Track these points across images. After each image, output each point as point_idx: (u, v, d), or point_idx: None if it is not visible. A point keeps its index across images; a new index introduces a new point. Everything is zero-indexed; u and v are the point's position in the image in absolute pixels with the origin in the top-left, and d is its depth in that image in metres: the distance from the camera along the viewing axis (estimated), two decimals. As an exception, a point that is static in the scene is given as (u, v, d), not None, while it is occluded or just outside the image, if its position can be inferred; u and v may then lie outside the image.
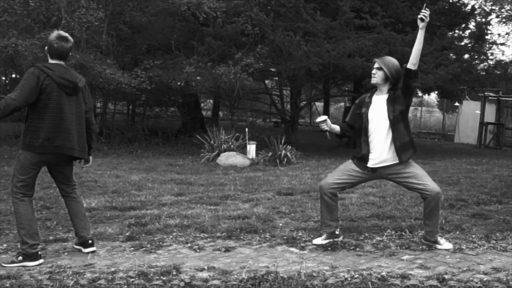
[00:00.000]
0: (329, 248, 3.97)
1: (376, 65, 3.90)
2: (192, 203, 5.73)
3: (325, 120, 3.96)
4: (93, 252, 3.83)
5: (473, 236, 4.27)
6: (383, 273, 3.32)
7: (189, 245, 4.05)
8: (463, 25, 15.90)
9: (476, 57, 15.35)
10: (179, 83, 13.17)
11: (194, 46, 12.75)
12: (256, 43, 12.77)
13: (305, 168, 9.38)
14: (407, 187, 3.98)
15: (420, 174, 3.88)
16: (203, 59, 12.33)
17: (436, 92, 17.36)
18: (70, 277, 3.27)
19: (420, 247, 3.96)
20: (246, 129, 11.42)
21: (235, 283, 3.17)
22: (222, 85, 12.64)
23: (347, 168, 4.07)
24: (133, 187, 6.81)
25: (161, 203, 5.75)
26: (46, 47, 3.72)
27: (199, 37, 12.81)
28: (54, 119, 3.59)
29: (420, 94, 21.80)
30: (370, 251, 3.88)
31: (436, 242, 3.95)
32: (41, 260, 3.59)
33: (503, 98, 18.15)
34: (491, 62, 15.77)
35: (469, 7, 16.22)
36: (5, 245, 4.00)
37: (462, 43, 15.00)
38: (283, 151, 10.24)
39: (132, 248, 3.96)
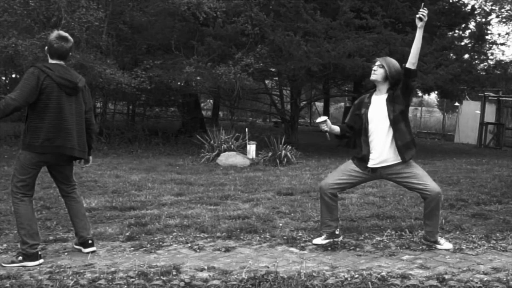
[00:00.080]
0: (329, 248, 3.97)
1: (377, 63, 3.92)
2: (192, 203, 5.73)
3: (325, 121, 3.96)
4: (93, 252, 3.83)
5: (473, 236, 4.27)
6: (383, 273, 3.32)
7: (189, 245, 4.05)
8: (463, 25, 15.90)
9: (476, 57, 15.35)
10: (179, 83, 13.18)
11: (194, 46, 12.75)
12: (256, 43, 12.77)
13: (305, 168, 9.38)
14: (408, 187, 3.98)
15: (420, 174, 3.88)
16: (203, 59, 12.33)
17: (436, 92, 17.36)
18: (70, 277, 3.27)
19: (420, 247, 3.96)
20: (246, 129, 11.42)
21: (235, 283, 3.17)
22: (222, 85, 12.64)
23: (347, 168, 4.08)
24: (133, 187, 6.81)
25: (161, 203, 5.75)
26: (46, 47, 3.72)
27: (199, 37, 12.82)
28: (54, 119, 3.59)
29: (420, 94, 21.81)
30: (370, 251, 3.88)
31: (436, 242, 3.95)
32: (41, 260, 3.59)
33: (503, 98, 18.15)
34: (491, 62, 15.79)
35: (469, 7, 16.22)
36: (5, 245, 4.00)
37: (462, 43, 15.01)
38: (283, 151, 10.24)
39: (132, 248, 3.96)
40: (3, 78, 18.26)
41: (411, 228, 4.47)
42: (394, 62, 3.91)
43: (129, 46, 13.71)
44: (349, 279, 3.24)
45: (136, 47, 13.95)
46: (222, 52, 12.83)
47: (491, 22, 19.56)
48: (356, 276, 3.28)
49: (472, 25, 16.01)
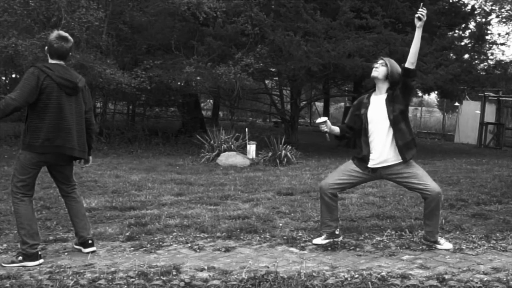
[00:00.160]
0: (329, 248, 3.97)
1: (380, 61, 3.93)
2: (192, 203, 5.73)
3: (325, 122, 3.97)
4: (93, 252, 3.83)
5: (473, 236, 4.27)
6: (383, 273, 3.32)
7: (189, 245, 4.05)
8: (463, 25, 15.90)
9: (476, 57, 15.36)
10: (179, 83, 13.18)
11: (194, 46, 12.75)
12: (256, 43, 12.77)
13: (305, 168, 9.38)
14: (408, 187, 3.99)
15: (420, 174, 3.88)
16: (203, 59, 12.33)
17: (436, 92, 17.36)
18: (70, 277, 3.27)
19: (420, 247, 3.96)
20: (246, 129, 11.42)
21: (235, 283, 3.17)
22: (222, 85, 12.64)
23: (347, 169, 4.08)
24: (133, 187, 6.81)
25: (161, 203, 5.75)
26: (46, 47, 3.72)
27: (199, 37, 12.82)
28: (54, 119, 3.59)
29: (420, 94, 21.81)
30: (370, 251, 3.88)
31: (436, 242, 3.95)
32: (41, 260, 3.59)
33: (503, 98, 18.15)
34: (491, 62, 15.80)
35: (469, 7, 16.23)
36: (5, 245, 4.00)
37: (462, 43, 15.01)
38: (283, 151, 10.24)
39: (132, 248, 3.96)
40: (3, 78, 18.26)
41: (411, 228, 4.47)
42: (396, 64, 3.94)
43: (129, 46, 13.71)
44: (349, 279, 3.24)
45: (136, 47, 13.95)
46: (222, 52, 12.83)
47: (491, 22, 19.58)
48: (356, 276, 3.28)
49: (472, 25, 16.03)
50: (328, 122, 3.98)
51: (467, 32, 15.63)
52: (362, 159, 3.98)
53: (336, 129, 4.11)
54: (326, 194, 4.01)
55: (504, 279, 3.22)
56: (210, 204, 5.67)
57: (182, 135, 15.26)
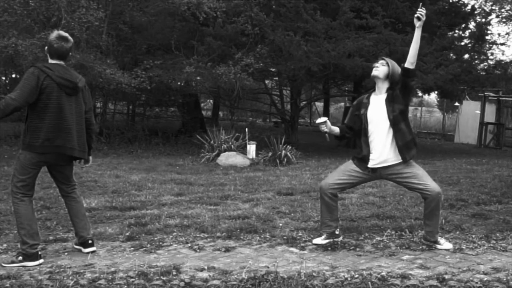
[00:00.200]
0: (329, 248, 3.97)
1: (381, 61, 3.94)
2: (192, 203, 5.73)
3: (325, 122, 3.97)
4: (93, 252, 3.83)
5: (473, 236, 4.27)
6: (383, 273, 3.32)
7: (189, 245, 4.05)
8: (463, 25, 15.91)
9: (476, 57, 15.36)
10: (179, 83, 13.18)
11: (194, 46, 12.75)
12: (256, 43, 12.77)
13: (305, 168, 9.38)
14: (408, 187, 3.99)
15: (420, 174, 3.88)
16: (203, 59, 12.33)
17: (436, 92, 17.36)
18: (70, 277, 3.27)
19: (420, 247, 3.96)
20: (246, 129, 11.42)
21: (235, 283, 3.17)
22: (222, 85, 12.64)
23: (347, 169, 4.08)
24: (133, 187, 6.81)
25: (161, 203, 5.75)
26: (46, 47, 3.72)
27: (199, 37, 12.82)
28: (54, 119, 3.59)
29: (420, 94, 21.81)
30: (370, 251, 3.88)
31: (436, 242, 3.95)
32: (41, 260, 3.59)
33: (503, 98, 18.15)
34: (491, 62, 15.80)
35: (469, 7, 16.24)
36: (5, 245, 4.00)
37: (462, 43, 15.01)
38: (283, 151, 10.24)
39: (132, 248, 3.96)
40: (3, 78, 18.27)
41: (411, 228, 4.47)
42: (397, 65, 3.94)
43: (129, 46, 13.71)
44: (349, 279, 3.24)
45: (136, 47, 13.95)
46: (222, 52, 12.83)
47: (491, 22, 19.57)
48: (356, 276, 3.28)
49: (472, 25, 16.04)
50: (328, 122, 3.98)
51: (467, 32, 15.64)
52: (362, 159, 3.98)
53: (336, 129, 4.11)
54: (326, 194, 4.02)
55: (504, 279, 3.22)
56: (210, 204, 5.67)
57: (182, 135, 15.26)
